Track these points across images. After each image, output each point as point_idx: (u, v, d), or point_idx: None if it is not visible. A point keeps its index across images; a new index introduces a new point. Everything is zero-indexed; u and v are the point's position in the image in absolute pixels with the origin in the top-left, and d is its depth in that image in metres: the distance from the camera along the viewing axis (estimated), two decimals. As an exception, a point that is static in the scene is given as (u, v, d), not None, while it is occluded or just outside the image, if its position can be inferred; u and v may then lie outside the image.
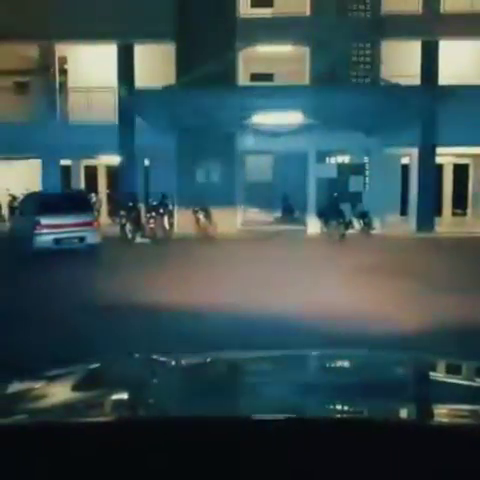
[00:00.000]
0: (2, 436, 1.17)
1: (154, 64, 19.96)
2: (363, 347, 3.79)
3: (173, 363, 2.02)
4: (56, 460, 1.10)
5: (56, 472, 1.08)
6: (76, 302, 8.42)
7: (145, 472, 1.08)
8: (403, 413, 1.45)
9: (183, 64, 18.76)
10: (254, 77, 21.41)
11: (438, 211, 22.01)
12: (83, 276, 11.14)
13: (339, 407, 1.45)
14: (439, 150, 19.49)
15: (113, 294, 8.94)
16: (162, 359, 2.03)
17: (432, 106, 16.91)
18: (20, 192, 18.58)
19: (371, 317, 7.24)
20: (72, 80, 21.37)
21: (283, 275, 10.72)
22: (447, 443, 1.10)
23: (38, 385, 1.68)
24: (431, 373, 1.89)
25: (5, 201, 22.69)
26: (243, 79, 20.94)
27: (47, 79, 20.61)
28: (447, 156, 21.78)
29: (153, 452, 1.10)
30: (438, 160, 20.30)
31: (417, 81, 19.18)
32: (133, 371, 1.91)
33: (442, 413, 1.41)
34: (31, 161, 21.15)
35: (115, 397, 1.60)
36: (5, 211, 22.45)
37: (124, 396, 1.66)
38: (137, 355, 2.07)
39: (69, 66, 21.76)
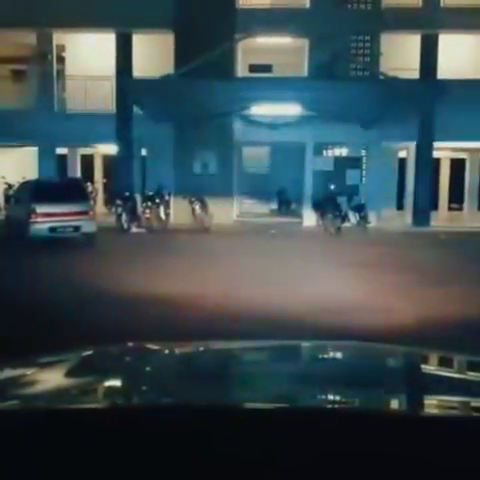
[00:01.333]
0: None
1: (152, 53, 19.87)
2: (354, 339, 3.81)
3: (166, 352, 2.02)
4: (47, 446, 1.10)
5: (47, 458, 1.09)
6: (68, 290, 8.42)
7: (136, 459, 1.09)
8: (393, 404, 1.46)
9: (181, 54, 18.67)
10: (252, 68, 21.33)
11: (434, 205, 22.05)
12: (77, 265, 11.13)
13: (330, 398, 1.47)
14: (436, 144, 19.49)
15: (105, 283, 8.94)
16: (155, 348, 2.04)
17: (430, 100, 16.91)
18: (16, 180, 18.50)
19: (359, 308, 7.29)
20: (70, 68, 21.25)
21: (275, 267, 10.71)
22: (437, 434, 1.11)
23: (31, 371, 1.68)
24: (422, 366, 1.90)
25: (0, 189, 22.61)
26: (242, 70, 20.87)
27: (45, 67, 20.48)
28: (444, 151, 21.79)
29: (144, 440, 1.10)
30: (435, 154, 20.30)
31: (416, 75, 19.15)
32: (126, 359, 1.92)
33: (432, 404, 1.43)
34: (27, 149, 21.07)
35: (108, 385, 1.60)
36: (0, 199, 22.37)
37: (117, 384, 1.67)
38: (130, 344, 2.07)
39: (67, 54, 21.63)
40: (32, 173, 19.38)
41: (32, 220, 13.23)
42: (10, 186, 20.07)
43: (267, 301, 7.61)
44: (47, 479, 1.07)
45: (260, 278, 9.57)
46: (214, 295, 8.11)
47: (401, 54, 19.45)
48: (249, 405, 1.26)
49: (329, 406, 1.40)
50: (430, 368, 1.87)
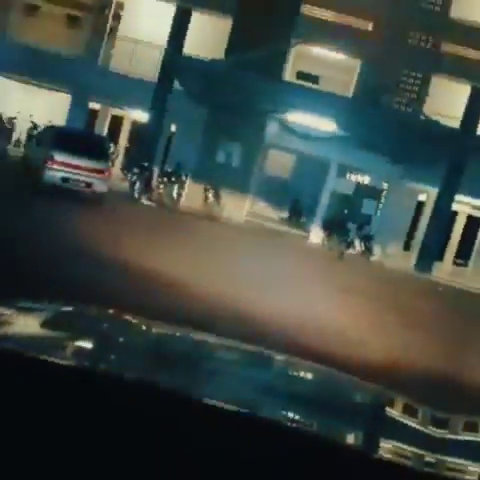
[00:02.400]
0: None
1: (207, 34, 19.84)
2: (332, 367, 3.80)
3: (142, 327, 2.02)
4: (9, 389, 1.10)
5: (11, 403, 1.09)
6: (69, 248, 8.44)
7: (89, 423, 1.09)
8: (349, 439, 1.45)
9: (235, 42, 18.64)
10: (300, 75, 21.29)
11: (441, 256, 21.97)
12: (75, 220, 11.05)
13: (290, 415, 1.46)
14: (457, 197, 19.43)
15: (93, 244, 8.94)
16: (133, 321, 2.03)
17: (463, 152, 16.87)
18: (42, 123, 18.51)
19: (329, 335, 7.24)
20: (123, 28, 21.24)
21: (266, 279, 9.97)
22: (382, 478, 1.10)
23: (8, 313, 1.68)
24: (389, 410, 1.89)
25: (25, 127, 22.64)
26: (289, 75, 20.84)
27: (100, 20, 20.49)
28: (464, 205, 21.73)
29: (103, 405, 1.11)
30: (454, 207, 20.24)
31: (457, 124, 19.09)
32: (102, 324, 1.91)
33: (388, 449, 1.42)
34: (62, 95, 21.06)
35: (78, 344, 1.60)
36: (22, 136, 22.39)
37: (87, 345, 1.67)
38: (109, 311, 2.07)
39: (124, 13, 21.64)
40: (60, 120, 19.40)
41: (48, 166, 13.21)
42: (35, 126, 20.09)
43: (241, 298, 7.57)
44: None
45: (243, 280, 9.06)
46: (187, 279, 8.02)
47: (448, 101, 19.39)
48: (211, 402, 1.25)
49: (293, 425, 1.39)
50: (399, 414, 1.85)
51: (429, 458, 1.39)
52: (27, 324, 1.65)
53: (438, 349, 8.20)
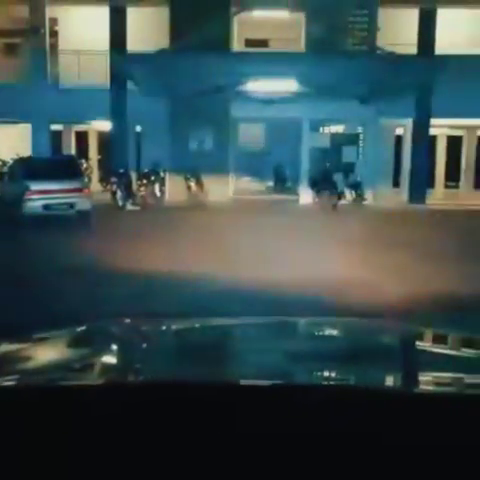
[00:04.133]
0: None
1: (147, 28, 19.56)
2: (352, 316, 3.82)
3: (162, 328, 2.01)
4: (43, 423, 1.09)
5: (42, 435, 1.08)
6: (62, 266, 8.41)
7: (130, 436, 1.08)
8: (389, 381, 1.45)
9: (176, 28, 18.40)
10: (249, 43, 21.06)
11: (431, 183, 22.00)
12: (71, 242, 11.08)
13: (326, 374, 1.46)
14: (433, 121, 19.38)
15: (99, 260, 8.92)
16: (150, 324, 2.02)
17: (428, 76, 16.76)
18: (9, 157, 18.33)
19: (350, 283, 7.35)
20: (63, 42, 20.92)
21: (270, 245, 10.62)
22: (433, 412, 1.10)
23: (26, 347, 1.67)
24: (417, 342, 1.90)
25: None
26: (238, 45, 20.61)
27: (37, 41, 20.17)
28: (441, 128, 21.68)
29: (140, 417, 1.09)
30: (432, 132, 20.20)
31: (414, 50, 18.95)
32: (120, 335, 1.90)
33: (427, 381, 1.42)
34: (21, 125, 20.84)
35: (102, 360, 1.59)
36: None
37: (111, 360, 1.66)
38: (124, 319, 2.06)
39: (60, 28, 21.29)
40: (26, 150, 19.21)
41: (26, 197, 13.14)
42: (4, 163, 19.89)
43: (260, 277, 7.62)
44: (45, 456, 1.06)
45: (251, 254, 9.52)
46: (206, 271, 8.11)
47: (399, 29, 19.22)
48: (250, 382, 1.25)
49: (330, 383, 1.39)
50: (430, 345, 1.86)
51: (468, 380, 1.40)
52: (49, 354, 1.64)
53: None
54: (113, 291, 6.95)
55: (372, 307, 6.20)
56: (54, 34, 21.15)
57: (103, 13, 19.56)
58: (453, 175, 24.05)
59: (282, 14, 19.53)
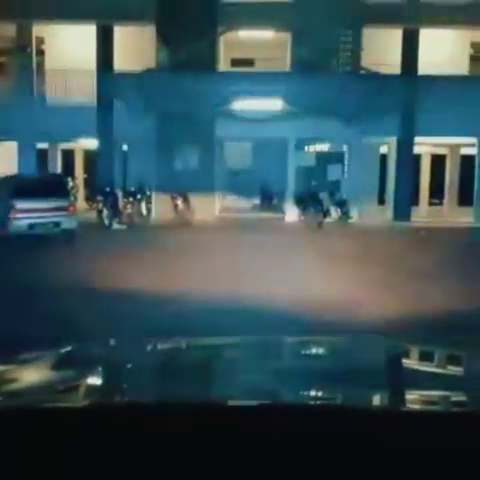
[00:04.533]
0: None
1: (134, 47, 19.69)
2: (337, 332, 3.82)
3: (148, 348, 2.00)
4: (29, 445, 1.08)
5: (28, 457, 1.07)
6: (48, 286, 8.34)
7: (117, 457, 1.07)
8: (377, 399, 1.46)
9: (163, 48, 18.54)
10: (235, 62, 21.27)
11: (415, 201, 22.24)
12: (56, 261, 11.00)
13: (312, 393, 1.46)
14: (417, 140, 19.63)
15: (82, 279, 8.86)
16: (136, 344, 2.01)
17: (411, 95, 17.02)
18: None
19: (332, 301, 7.40)
20: (49, 61, 20.97)
21: (256, 263, 10.66)
22: (417, 429, 1.10)
23: (10, 368, 1.65)
24: (403, 360, 1.91)
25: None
26: (224, 64, 20.80)
27: (24, 60, 20.20)
28: (425, 146, 21.95)
29: (127, 438, 1.09)
30: (416, 150, 20.44)
31: (397, 70, 19.24)
32: (106, 356, 1.89)
33: (415, 399, 1.42)
34: (6, 144, 20.77)
35: (87, 382, 1.58)
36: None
37: (96, 381, 1.64)
38: (109, 340, 2.05)
39: (46, 47, 21.36)
40: (11, 168, 19.12)
41: (11, 216, 13.05)
42: (-11, 181, 19.77)
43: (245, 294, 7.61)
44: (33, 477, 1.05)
45: (238, 272, 9.53)
46: (192, 289, 8.08)
47: (382, 50, 19.51)
48: (236, 402, 1.24)
49: (316, 402, 1.39)
50: (416, 362, 1.87)
51: (455, 398, 1.40)
52: (35, 375, 1.63)
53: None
54: (91, 312, 6.88)
55: (361, 324, 6.22)
56: (41, 53, 21.20)
57: (90, 32, 19.67)
58: (437, 193, 24.32)
59: (268, 34, 19.77)
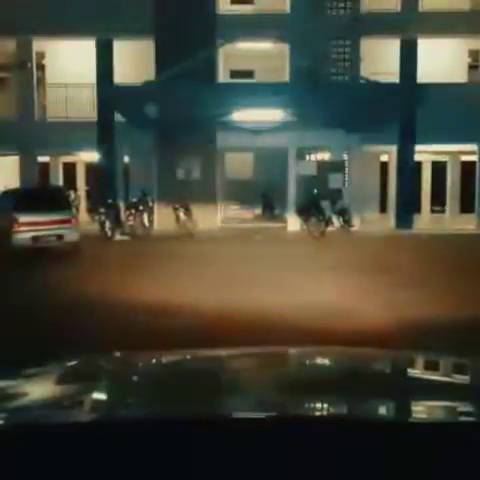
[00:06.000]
0: None
1: (133, 60, 19.81)
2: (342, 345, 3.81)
3: (154, 361, 2.00)
4: (33, 461, 1.08)
5: (32, 474, 1.06)
6: (50, 300, 8.34)
7: (122, 473, 1.07)
8: (383, 411, 1.45)
9: (162, 60, 18.64)
10: (234, 74, 21.37)
11: (417, 208, 22.23)
12: (59, 274, 11.01)
13: (319, 405, 1.45)
14: (418, 148, 19.66)
15: (85, 292, 8.86)
16: (141, 358, 2.01)
17: (410, 104, 17.07)
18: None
19: (335, 311, 7.36)
20: (50, 76, 21.11)
21: (259, 273, 10.64)
22: (426, 441, 1.10)
23: (14, 383, 1.65)
24: (410, 370, 1.90)
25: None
26: (223, 76, 20.89)
27: (25, 74, 20.33)
28: (426, 154, 21.98)
29: (131, 452, 1.08)
30: (417, 158, 20.47)
31: (396, 79, 19.31)
32: (111, 369, 1.89)
33: (421, 410, 1.42)
34: (9, 157, 20.86)
35: (93, 396, 1.58)
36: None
37: (102, 395, 1.64)
38: (115, 353, 2.04)
39: (47, 61, 21.50)
40: (14, 182, 19.19)
41: (14, 230, 13.08)
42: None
43: (251, 306, 7.59)
44: None
45: (242, 283, 9.52)
46: (198, 302, 8.07)
47: (381, 59, 19.60)
48: (243, 414, 1.24)
49: (322, 414, 1.39)
50: (420, 372, 1.86)
51: (462, 408, 1.40)
52: (38, 390, 1.62)
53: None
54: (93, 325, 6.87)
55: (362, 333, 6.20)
56: (41, 67, 21.35)
57: (90, 46, 19.80)
58: (439, 200, 24.31)
59: (266, 45, 19.87)
